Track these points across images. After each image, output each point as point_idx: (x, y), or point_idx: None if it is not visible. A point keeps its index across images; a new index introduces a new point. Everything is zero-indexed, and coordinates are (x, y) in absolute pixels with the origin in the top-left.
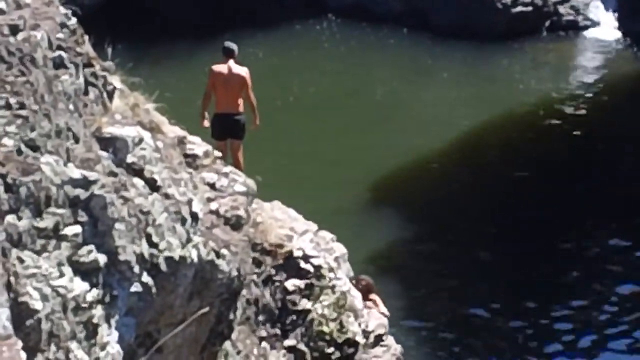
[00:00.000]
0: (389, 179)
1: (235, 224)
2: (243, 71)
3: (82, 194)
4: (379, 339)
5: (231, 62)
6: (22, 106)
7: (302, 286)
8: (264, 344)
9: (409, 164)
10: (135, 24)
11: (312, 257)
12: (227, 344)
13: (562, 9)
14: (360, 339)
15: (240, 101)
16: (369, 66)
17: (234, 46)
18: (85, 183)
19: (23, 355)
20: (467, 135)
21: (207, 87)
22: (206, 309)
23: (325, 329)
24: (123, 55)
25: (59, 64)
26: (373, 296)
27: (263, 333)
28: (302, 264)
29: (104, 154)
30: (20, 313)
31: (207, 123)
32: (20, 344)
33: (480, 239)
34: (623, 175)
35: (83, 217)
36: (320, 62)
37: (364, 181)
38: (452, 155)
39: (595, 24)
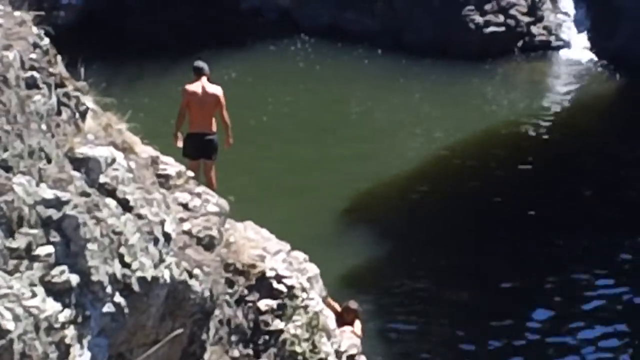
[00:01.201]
0: (361, 199)
1: (208, 244)
2: (217, 90)
3: (54, 214)
4: (351, 359)
5: (204, 80)
6: None
7: (275, 306)
8: None
9: (382, 184)
10: (109, 43)
11: (285, 277)
12: None
13: (534, 29)
14: (332, 359)
15: (214, 121)
16: (344, 86)
17: (203, 65)
18: (58, 203)
19: None
20: (440, 155)
21: (181, 106)
22: (180, 331)
23: (297, 349)
24: (96, 75)
25: (31, 84)
26: (357, 323)
27: (236, 353)
28: (275, 284)
29: (76, 174)
30: None
31: (180, 143)
32: None
33: (454, 258)
34: (596, 193)
35: (55, 237)
36: (295, 82)
37: (337, 201)
38: (424, 174)
39: (567, 44)
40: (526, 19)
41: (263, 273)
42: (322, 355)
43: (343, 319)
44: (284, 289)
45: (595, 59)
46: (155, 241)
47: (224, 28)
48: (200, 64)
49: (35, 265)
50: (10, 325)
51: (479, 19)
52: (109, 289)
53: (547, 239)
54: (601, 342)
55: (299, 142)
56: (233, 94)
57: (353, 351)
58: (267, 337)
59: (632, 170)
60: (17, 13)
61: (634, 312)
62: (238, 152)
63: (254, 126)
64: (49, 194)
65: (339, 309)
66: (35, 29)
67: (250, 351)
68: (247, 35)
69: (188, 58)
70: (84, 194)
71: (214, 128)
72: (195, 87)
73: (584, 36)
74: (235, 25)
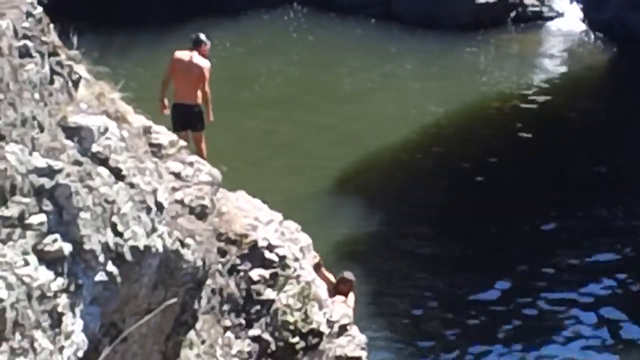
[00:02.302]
0: (354, 169)
1: (200, 213)
2: (204, 63)
3: (47, 183)
4: (343, 329)
5: (194, 51)
6: None
7: (267, 276)
8: (228, 333)
9: (374, 154)
10: (101, 12)
11: (277, 246)
12: (191, 334)
13: (527, 0)
14: (324, 328)
15: (199, 93)
16: (336, 56)
17: (203, 38)
18: (50, 172)
19: None
20: (431, 125)
21: (167, 71)
22: (174, 300)
23: (289, 318)
24: (89, 45)
25: (24, 53)
26: (351, 295)
27: (227, 323)
28: (267, 254)
29: (69, 143)
30: None
31: (167, 111)
32: None
33: (444, 228)
34: (587, 164)
35: (48, 206)
36: (288, 52)
37: (329, 171)
38: (416, 144)
39: (560, 15)
40: None
41: (255, 243)
42: (314, 325)
43: (338, 290)
44: (276, 259)
45: (588, 29)
46: (148, 210)
47: None
48: (199, 35)
49: (28, 233)
50: (3, 293)
51: None
52: (101, 258)
53: (538, 214)
54: (586, 328)
55: (292, 112)
56: (226, 63)
57: (345, 321)
58: (259, 306)
59: (624, 142)
60: None
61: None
62: (231, 121)
63: (247, 96)
64: (41, 162)
65: (334, 280)
66: None
67: (242, 320)
68: (240, 5)
69: (181, 27)
70: (77, 162)
71: (199, 100)
72: (183, 55)
73: (576, 7)
74: None
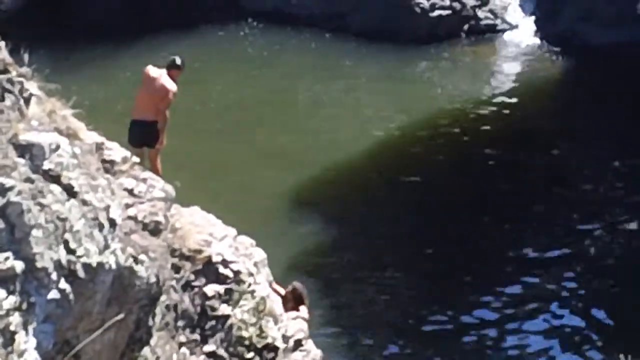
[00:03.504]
0: (308, 184)
1: (154, 229)
2: (170, 85)
3: None
4: (298, 344)
5: (164, 71)
6: None
7: (222, 291)
8: (183, 349)
9: (328, 168)
10: (55, 29)
11: (232, 262)
12: (146, 350)
13: (480, 13)
14: (279, 343)
15: (157, 111)
16: (292, 70)
17: (178, 63)
18: (2, 190)
19: None
20: (386, 139)
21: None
22: (121, 316)
23: (244, 333)
24: (42, 61)
25: None
26: (302, 307)
27: (182, 339)
28: (222, 269)
29: (20, 160)
30: None
31: None
32: None
33: (399, 242)
34: (540, 174)
35: (0, 223)
36: (243, 67)
37: (283, 186)
38: (370, 158)
39: (514, 27)
40: (472, 2)
41: (209, 258)
42: (269, 340)
43: (288, 302)
44: (231, 274)
45: (541, 41)
46: (101, 227)
47: (171, 14)
48: (176, 60)
49: None
50: None
51: (425, 3)
52: (54, 276)
53: (493, 224)
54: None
55: (247, 127)
56: (181, 78)
57: (300, 336)
58: (214, 322)
59: (573, 154)
60: None
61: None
62: (185, 136)
63: (201, 111)
64: None
65: (283, 292)
66: None
67: (197, 336)
68: (195, 21)
69: (135, 43)
70: (29, 180)
71: (156, 117)
72: (153, 71)
73: (530, 19)
74: (182, 9)
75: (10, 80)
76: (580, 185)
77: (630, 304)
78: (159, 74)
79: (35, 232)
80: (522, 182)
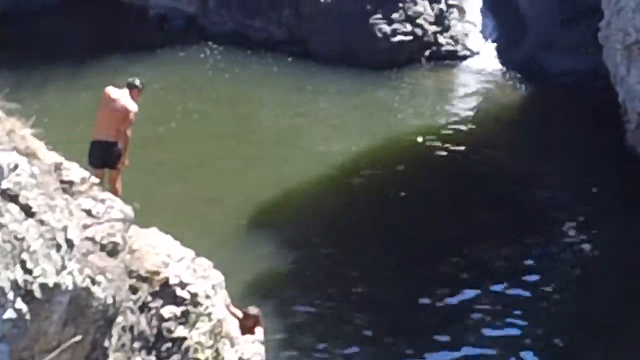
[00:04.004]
0: (266, 207)
1: (112, 250)
2: (131, 106)
3: None
4: None
5: (125, 91)
6: None
7: (178, 313)
8: None
9: (287, 192)
10: (15, 48)
11: (189, 284)
12: None
13: (441, 39)
14: None
15: (118, 132)
16: (252, 94)
17: (137, 83)
18: None
19: None
20: (345, 162)
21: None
22: (79, 337)
23: (201, 356)
24: (2, 81)
25: None
26: (258, 329)
27: None
28: (179, 291)
29: None
30: None
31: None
32: None
33: (356, 263)
34: (500, 200)
35: None
36: (204, 89)
37: (242, 208)
38: (329, 182)
39: (475, 53)
40: (433, 29)
41: (167, 280)
42: None
43: (245, 324)
44: (188, 296)
45: (502, 68)
46: (58, 247)
47: (132, 35)
48: (135, 81)
49: None
50: None
51: (386, 28)
52: (10, 295)
53: (451, 247)
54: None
55: (206, 149)
56: (142, 100)
57: (256, 358)
58: (170, 344)
59: (532, 180)
60: None
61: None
62: (144, 158)
63: (162, 133)
64: None
65: (240, 315)
66: None
67: (154, 358)
68: (156, 42)
69: (97, 63)
70: None
71: (117, 138)
72: (113, 92)
73: (491, 46)
74: (143, 32)
75: None
76: (537, 211)
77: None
78: (120, 94)
79: None
80: (481, 207)
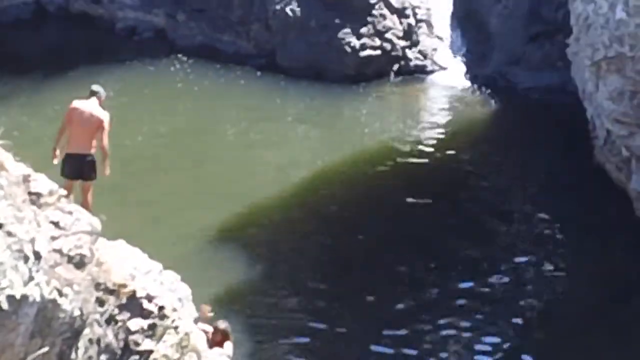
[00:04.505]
0: (234, 220)
1: (79, 262)
2: (103, 115)
3: None
4: None
5: (93, 101)
6: None
7: (145, 326)
8: None
9: (253, 205)
10: None
11: (156, 297)
12: None
13: (410, 54)
14: None
15: (94, 143)
16: (221, 107)
17: (99, 88)
18: None
19: None
20: (311, 177)
21: (63, 121)
22: (46, 349)
23: None
24: None
25: None
26: (227, 343)
27: None
28: (146, 304)
29: None
30: None
31: (56, 161)
32: None
33: (324, 278)
34: (467, 215)
35: None
36: (173, 102)
37: (209, 221)
38: (294, 196)
39: (443, 68)
40: (402, 43)
41: (134, 292)
42: None
43: (213, 339)
44: (155, 309)
45: (471, 83)
46: (25, 259)
47: (100, 47)
48: (95, 87)
49: None
50: None
51: (355, 42)
52: None
53: (415, 262)
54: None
55: (174, 162)
56: (109, 112)
57: None
58: (137, 356)
59: (498, 195)
60: None
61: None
62: (112, 171)
63: (129, 145)
64: None
65: (210, 330)
66: None
67: None
68: (125, 55)
69: (65, 75)
70: None
71: (93, 150)
72: (81, 104)
73: (459, 61)
74: (111, 44)
75: None
76: (501, 226)
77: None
78: (89, 106)
79: None
80: (446, 222)
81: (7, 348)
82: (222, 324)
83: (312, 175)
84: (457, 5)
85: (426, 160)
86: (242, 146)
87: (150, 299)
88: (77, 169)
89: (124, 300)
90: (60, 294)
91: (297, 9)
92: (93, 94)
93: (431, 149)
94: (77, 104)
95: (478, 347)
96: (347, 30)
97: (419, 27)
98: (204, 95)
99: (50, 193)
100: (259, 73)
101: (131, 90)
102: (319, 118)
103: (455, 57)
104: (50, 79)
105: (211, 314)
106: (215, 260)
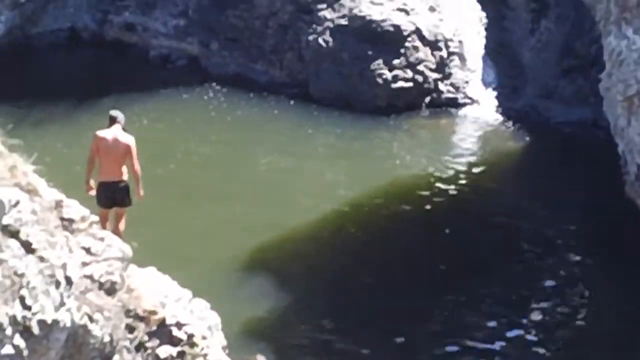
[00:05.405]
0: (264, 249)
1: (110, 289)
2: (128, 139)
3: None
4: None
5: (117, 128)
6: None
7: (174, 354)
8: None
9: (284, 235)
10: (16, 85)
11: (185, 324)
12: None
13: (442, 86)
14: None
15: (124, 169)
16: (253, 136)
17: (118, 113)
18: None
19: None
20: (341, 208)
21: (91, 152)
22: None
23: None
24: (4, 117)
25: None
26: None
27: None
28: (175, 331)
29: None
30: None
31: (93, 192)
32: None
33: (355, 307)
34: (494, 250)
35: None
36: (206, 131)
37: (240, 251)
38: (324, 226)
39: (475, 102)
40: (434, 75)
41: (163, 320)
42: None
43: None
44: (184, 337)
45: (502, 117)
46: (57, 284)
47: (134, 75)
48: (114, 112)
49: None
50: None
51: (387, 74)
52: (8, 331)
53: (446, 294)
54: None
55: (206, 190)
56: (143, 141)
57: None
58: None
59: (528, 228)
60: None
61: None
62: (144, 199)
63: (161, 173)
64: None
65: None
66: None
67: None
68: (159, 83)
69: (97, 103)
70: None
71: (125, 176)
72: (106, 133)
73: (491, 94)
74: (145, 72)
75: None
76: (533, 260)
77: None
78: (113, 133)
79: None
80: (476, 255)
81: None
82: (260, 358)
83: (341, 206)
84: (490, 38)
85: (457, 193)
86: (274, 175)
87: (179, 326)
88: (111, 197)
89: (153, 328)
90: (91, 319)
91: (330, 40)
92: (113, 120)
93: (462, 183)
94: (101, 133)
95: None
96: (379, 61)
97: (451, 60)
98: (237, 124)
99: (82, 219)
100: (291, 102)
101: (164, 118)
102: (350, 149)
103: (487, 90)
104: (84, 106)
105: None
106: (244, 290)
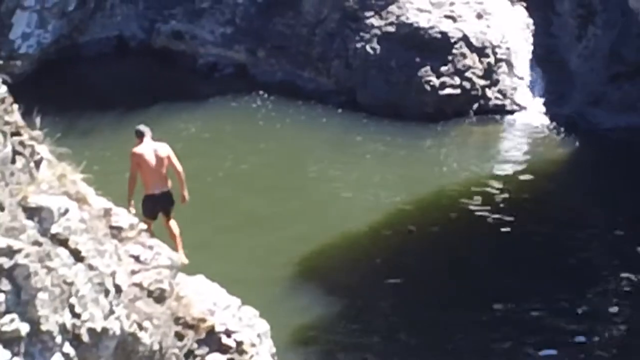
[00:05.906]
0: (313, 255)
1: (159, 297)
2: (165, 147)
3: (5, 262)
4: None
5: (149, 141)
6: None
7: None
8: None
9: (333, 241)
10: (65, 94)
11: (235, 332)
12: None
13: (489, 93)
14: None
15: (166, 179)
16: (302, 144)
17: (145, 128)
18: (10, 252)
19: None
20: (389, 215)
21: (131, 170)
22: None
23: None
24: (53, 126)
25: None
26: None
27: None
28: (224, 339)
29: (29, 223)
30: None
31: (133, 210)
32: None
33: (403, 315)
34: (544, 257)
35: (6, 285)
36: (254, 139)
37: (289, 256)
38: (373, 234)
39: (522, 108)
40: (482, 82)
41: (213, 327)
42: None
43: None
44: (233, 344)
45: (550, 123)
46: (106, 292)
47: (181, 83)
48: (141, 127)
49: None
50: None
51: (435, 81)
52: (58, 339)
53: (500, 300)
54: None
55: (254, 199)
56: (191, 149)
57: None
58: None
59: (582, 236)
60: None
61: None
62: (192, 206)
63: (210, 182)
64: (1, 242)
65: None
66: None
67: None
68: (206, 91)
69: (145, 111)
70: (36, 243)
71: (169, 184)
72: (143, 148)
73: (538, 101)
74: (192, 80)
75: (22, 143)
76: (582, 271)
77: None
78: (146, 146)
79: (42, 295)
80: (524, 264)
81: None
82: None
83: (390, 213)
84: (537, 44)
85: (504, 201)
86: (323, 183)
87: (229, 334)
88: (163, 207)
89: (202, 335)
90: (140, 327)
91: (377, 47)
92: (142, 134)
93: (508, 190)
94: (138, 150)
95: None
96: (427, 68)
97: (499, 67)
98: (285, 133)
99: (131, 227)
100: (339, 110)
101: (213, 126)
102: (398, 156)
103: (534, 96)
104: (132, 115)
105: None
106: (294, 297)
